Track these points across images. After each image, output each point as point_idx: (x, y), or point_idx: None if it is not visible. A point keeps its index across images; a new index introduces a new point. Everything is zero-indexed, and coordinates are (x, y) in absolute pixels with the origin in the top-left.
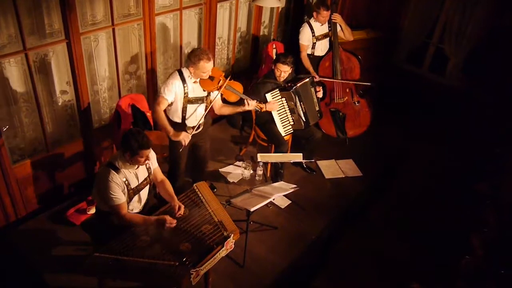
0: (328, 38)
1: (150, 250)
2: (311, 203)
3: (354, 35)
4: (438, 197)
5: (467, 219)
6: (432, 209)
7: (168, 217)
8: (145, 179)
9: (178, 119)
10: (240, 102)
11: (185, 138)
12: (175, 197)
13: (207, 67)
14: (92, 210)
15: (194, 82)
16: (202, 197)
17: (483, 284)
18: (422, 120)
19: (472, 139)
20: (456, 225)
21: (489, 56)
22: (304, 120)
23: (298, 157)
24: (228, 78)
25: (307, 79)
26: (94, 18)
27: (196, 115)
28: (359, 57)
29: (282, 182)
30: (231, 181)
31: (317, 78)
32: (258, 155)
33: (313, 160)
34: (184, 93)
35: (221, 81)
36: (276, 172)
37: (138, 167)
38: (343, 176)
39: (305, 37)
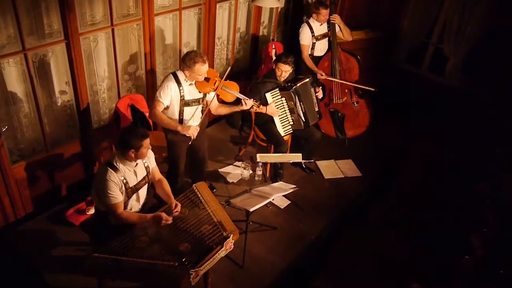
0: (327, 38)
1: (150, 250)
2: (311, 203)
3: (354, 36)
4: (438, 197)
5: (467, 219)
6: (432, 209)
7: (163, 214)
8: (144, 177)
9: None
10: (238, 102)
11: (193, 131)
12: (172, 196)
13: (202, 69)
14: (92, 211)
15: (190, 84)
16: (201, 198)
17: (483, 284)
18: (422, 120)
19: (472, 139)
20: (456, 225)
21: (489, 56)
22: (304, 120)
23: (297, 157)
24: (223, 79)
25: (307, 79)
26: (93, 18)
27: (193, 117)
28: (358, 57)
29: (281, 182)
30: (230, 181)
31: (324, 76)
32: (258, 155)
33: (312, 161)
34: (180, 96)
35: (216, 82)
36: (276, 172)
37: (137, 165)
38: (343, 176)
39: (305, 37)
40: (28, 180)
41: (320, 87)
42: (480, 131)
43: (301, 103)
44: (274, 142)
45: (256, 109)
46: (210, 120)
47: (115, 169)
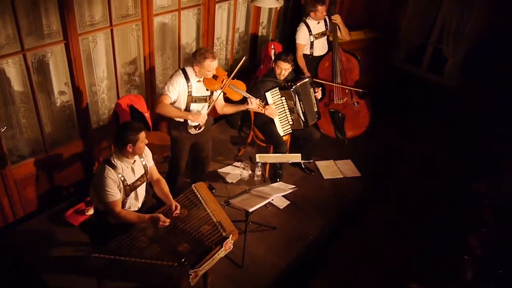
0: (325, 37)
1: (149, 250)
2: (310, 203)
3: (353, 36)
4: (437, 197)
5: (466, 219)
6: (431, 209)
7: (161, 216)
8: (142, 176)
9: (180, 118)
10: (243, 101)
11: (203, 119)
12: (170, 196)
13: (212, 65)
14: (91, 211)
15: (198, 81)
16: (200, 198)
17: (482, 284)
18: (421, 120)
19: (471, 139)
20: (455, 225)
21: (488, 56)
22: (303, 120)
23: (296, 157)
24: (231, 77)
25: (307, 79)
26: (92, 18)
27: None
28: (359, 57)
29: (280, 182)
30: (229, 181)
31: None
32: (257, 155)
33: (311, 161)
34: (188, 92)
35: (224, 80)
36: (275, 173)
37: (134, 162)
38: (342, 176)
39: (302, 36)
40: (27, 180)
41: (320, 88)
42: (480, 131)
43: (300, 102)
44: (274, 143)
45: (261, 109)
46: None
47: (113, 166)
